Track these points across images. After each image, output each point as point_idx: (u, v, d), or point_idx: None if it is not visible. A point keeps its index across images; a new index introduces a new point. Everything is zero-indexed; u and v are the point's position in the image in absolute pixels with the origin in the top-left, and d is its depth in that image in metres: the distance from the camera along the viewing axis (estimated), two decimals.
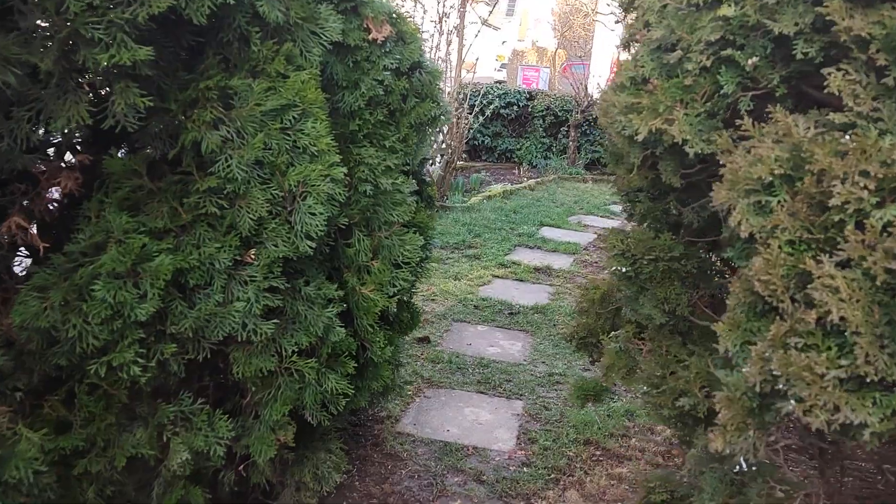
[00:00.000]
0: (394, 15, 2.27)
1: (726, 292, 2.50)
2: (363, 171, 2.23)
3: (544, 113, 12.21)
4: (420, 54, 2.34)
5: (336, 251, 2.30)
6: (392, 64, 2.25)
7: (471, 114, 10.03)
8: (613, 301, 3.11)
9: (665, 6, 1.77)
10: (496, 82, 41.48)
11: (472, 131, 10.73)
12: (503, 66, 45.96)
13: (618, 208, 9.64)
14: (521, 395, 4.36)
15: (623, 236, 2.19)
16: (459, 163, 10.18)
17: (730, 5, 1.51)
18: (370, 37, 2.21)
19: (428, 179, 2.87)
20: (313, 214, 1.97)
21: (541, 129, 12.25)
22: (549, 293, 6.21)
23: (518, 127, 12.40)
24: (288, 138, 1.97)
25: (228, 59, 1.95)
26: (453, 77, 9.59)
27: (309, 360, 2.15)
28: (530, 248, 7.46)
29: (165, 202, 1.92)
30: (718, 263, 2.18)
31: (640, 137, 1.65)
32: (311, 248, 1.99)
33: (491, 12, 10.05)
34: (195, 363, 1.97)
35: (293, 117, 1.97)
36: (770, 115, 1.49)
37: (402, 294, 2.49)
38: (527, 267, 6.74)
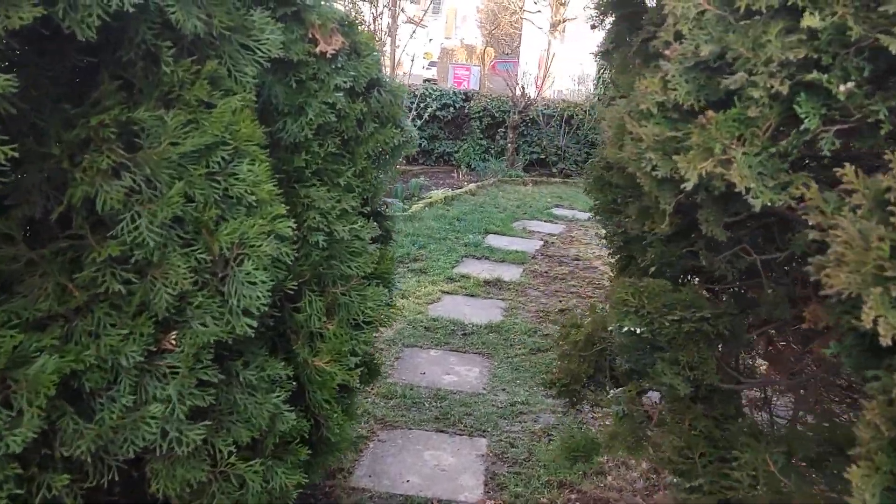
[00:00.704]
0: (345, 22, 1.79)
1: (757, 351, 2.12)
2: (314, 218, 1.75)
3: (481, 114, 11.82)
4: (378, 69, 1.86)
5: (282, 316, 1.82)
6: (345, 82, 1.77)
7: (407, 117, 9.55)
8: (598, 341, 2.71)
9: (703, 13, 1.36)
10: (426, 80, 41.28)
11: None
12: (432, 63, 45.62)
13: (560, 212, 9.33)
14: (483, 431, 3.94)
15: (634, 289, 1.78)
16: (397, 168, 9.69)
17: (813, 14, 1.11)
18: (317, 50, 1.73)
19: (388, 211, 2.41)
20: (253, 283, 1.49)
21: (478, 131, 11.85)
22: (503, 309, 5.81)
23: (455, 129, 11.97)
24: (217, 186, 1.48)
25: (132, 85, 1.45)
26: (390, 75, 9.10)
27: (251, 462, 1.66)
28: (478, 258, 7.04)
29: (50, 277, 1.40)
30: (751, 318, 1.79)
31: (688, 185, 1.24)
32: (251, 327, 1.51)
33: (426, 11, 9.59)
34: (99, 488, 1.46)
35: (222, 158, 1.48)
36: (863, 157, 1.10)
37: (365, 358, 2.02)
38: (476, 280, 6.32)
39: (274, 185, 1.55)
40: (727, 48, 1.26)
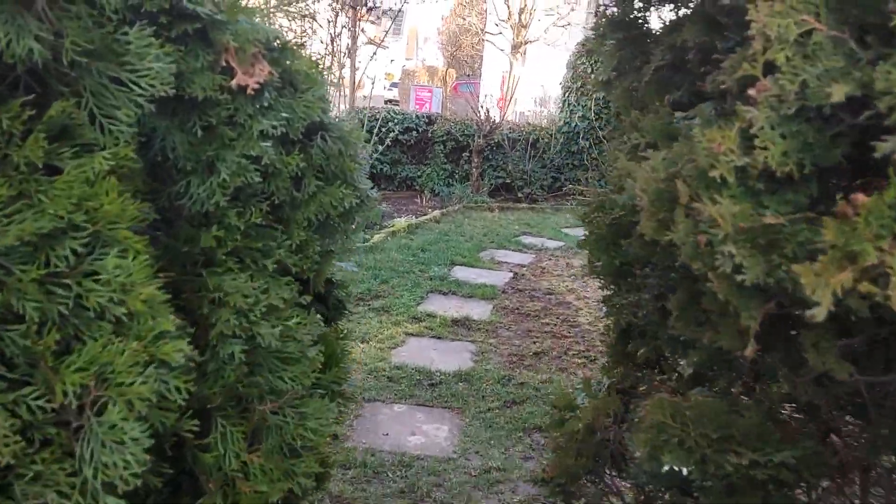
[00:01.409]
0: (276, 45, 1.27)
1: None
2: (228, 320, 1.22)
3: (445, 138, 11.35)
4: (324, 107, 1.34)
5: (181, 453, 1.27)
6: (275, 127, 1.25)
7: (368, 142, 9.02)
8: (599, 429, 2.21)
9: (809, 33, 0.88)
10: (387, 101, 41.05)
11: (370, 160, 9.72)
12: (393, 84, 45.31)
13: (529, 240, 8.87)
14: None
15: (675, 409, 1.28)
16: None
17: None
18: (234, 83, 1.20)
19: (340, 278, 1.88)
20: (120, 443, 0.95)
21: (442, 155, 11.38)
22: (472, 353, 5.29)
23: (418, 153, 11.48)
24: (63, 295, 0.94)
25: None
26: (347, 103, 8.59)
27: None
28: (444, 293, 6.52)
29: None
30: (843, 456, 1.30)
31: (819, 314, 0.75)
32: None
33: (387, 32, 9.11)
34: None
35: (73, 251, 0.95)
36: None
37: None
38: (443, 319, 5.79)
39: (158, 287, 1.01)
40: (869, 89, 0.78)
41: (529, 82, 27.40)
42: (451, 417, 4.36)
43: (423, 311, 5.96)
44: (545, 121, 26.59)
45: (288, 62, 1.33)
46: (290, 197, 1.33)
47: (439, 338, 5.50)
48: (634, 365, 1.90)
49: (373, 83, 8.28)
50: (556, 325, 5.99)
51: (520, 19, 21.95)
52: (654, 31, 1.92)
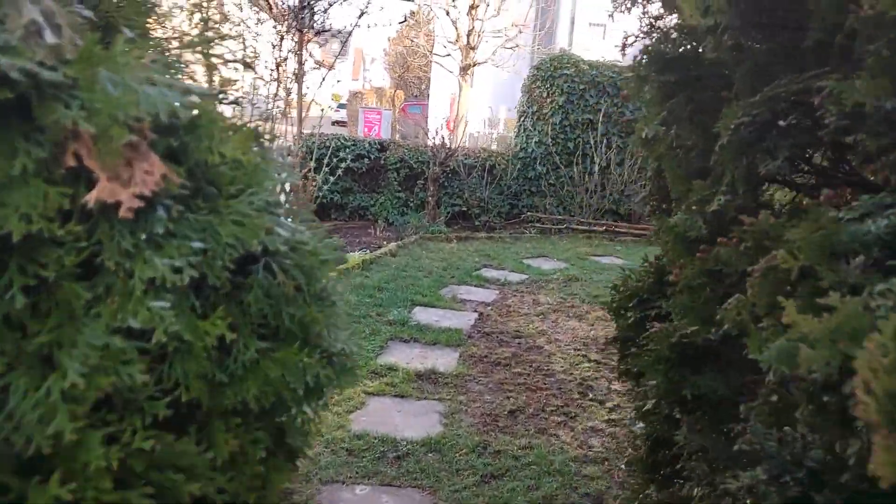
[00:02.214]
0: (177, 121, 0.68)
1: None
2: None
3: (399, 165, 10.77)
4: (270, 223, 0.74)
5: None
6: (178, 270, 0.65)
7: (318, 170, 8.38)
8: None
9: None
10: (335, 122, 40.52)
11: (321, 190, 9.07)
12: (341, 106, 44.65)
13: (490, 273, 8.33)
14: None
15: None
16: None
17: None
18: (92, 199, 0.60)
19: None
20: None
21: (396, 183, 10.79)
22: (441, 413, 4.69)
23: (371, 181, 10.87)
24: None
25: None
26: (295, 130, 7.94)
27: None
28: (406, 341, 5.90)
29: None
30: None
31: None
32: None
33: (337, 56, 8.52)
34: None
35: None
36: None
37: None
38: (406, 373, 5.18)
39: None
40: None
41: (479, 103, 27.10)
42: (422, 500, 3.75)
43: (383, 363, 5.34)
44: (495, 144, 26.27)
45: (204, 146, 0.74)
46: (207, 386, 0.74)
47: (403, 396, 4.89)
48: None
49: (322, 111, 7.66)
50: (528, 374, 5.44)
51: (468, 41, 21.62)
52: (725, 71, 1.39)
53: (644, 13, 1.73)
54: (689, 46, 1.48)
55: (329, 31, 7.56)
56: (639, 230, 10.90)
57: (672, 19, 1.63)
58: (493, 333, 6.20)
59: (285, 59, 7.10)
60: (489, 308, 6.93)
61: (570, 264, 9.09)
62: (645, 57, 1.53)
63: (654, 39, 1.56)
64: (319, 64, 8.58)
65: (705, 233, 1.43)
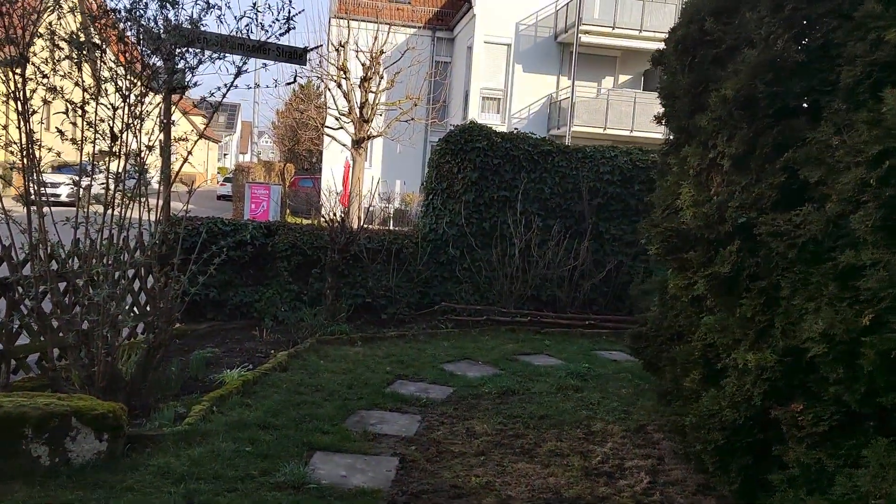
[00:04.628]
0: None
1: None
2: None
3: (289, 252, 8.95)
4: None
5: None
6: None
7: (188, 261, 6.43)
8: None
9: None
10: (220, 197, 37.83)
11: (193, 282, 7.06)
12: (227, 180, 42.13)
13: (408, 390, 6.58)
14: None
15: None
16: (175, 327, 6.47)
17: None
18: None
19: None
20: None
21: (286, 273, 8.94)
22: None
23: (256, 271, 8.96)
24: None
25: None
26: (159, 213, 6.04)
27: None
28: None
29: None
30: None
31: None
32: None
33: (208, 123, 6.74)
34: None
35: None
36: None
37: None
38: None
39: None
40: None
41: (373, 177, 25.70)
42: None
43: None
44: (392, 220, 24.77)
45: None
46: None
47: None
48: None
49: (189, 189, 5.82)
50: None
51: (361, 114, 20.34)
52: None
53: None
54: None
55: (216, 102, 5.80)
56: (566, 320, 9.52)
57: None
58: (425, 493, 4.42)
59: (134, 125, 5.26)
60: (412, 447, 5.16)
61: (499, 369, 7.49)
62: None
63: None
64: (202, 134, 6.77)
65: None
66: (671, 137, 5.02)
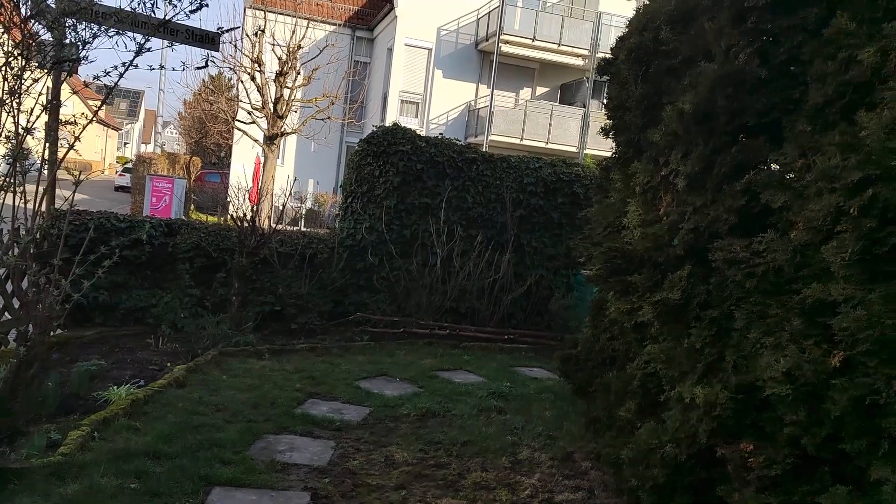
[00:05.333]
0: None
1: None
2: None
3: (192, 254, 8.16)
4: None
5: None
6: None
7: (72, 261, 5.61)
8: None
9: None
10: (118, 188, 35.49)
11: (77, 287, 6.21)
12: (126, 170, 39.64)
13: (320, 410, 5.99)
14: None
15: None
16: (56, 334, 5.62)
17: None
18: None
19: None
20: None
21: (188, 276, 8.14)
22: None
23: (153, 273, 8.11)
24: None
25: None
26: (38, 204, 5.21)
27: None
28: None
29: None
30: None
31: None
32: None
33: (101, 105, 5.94)
34: None
35: None
36: None
37: None
38: None
39: None
40: None
41: (285, 175, 24.67)
42: None
43: None
44: (302, 220, 23.85)
45: None
46: None
47: None
48: None
49: (77, 180, 5.06)
50: None
51: (275, 109, 19.41)
52: None
53: None
54: None
55: (107, 82, 5.06)
56: (486, 334, 9.16)
57: None
58: None
59: (11, 102, 4.48)
60: (326, 479, 4.61)
61: (418, 387, 7.02)
62: None
63: None
64: (96, 118, 5.94)
65: None
66: (617, 151, 4.71)
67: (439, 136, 9.74)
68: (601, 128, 4.80)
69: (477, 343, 8.95)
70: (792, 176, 3.37)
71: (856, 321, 2.76)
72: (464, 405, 6.46)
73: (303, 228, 19.31)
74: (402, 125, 9.65)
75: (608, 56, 4.82)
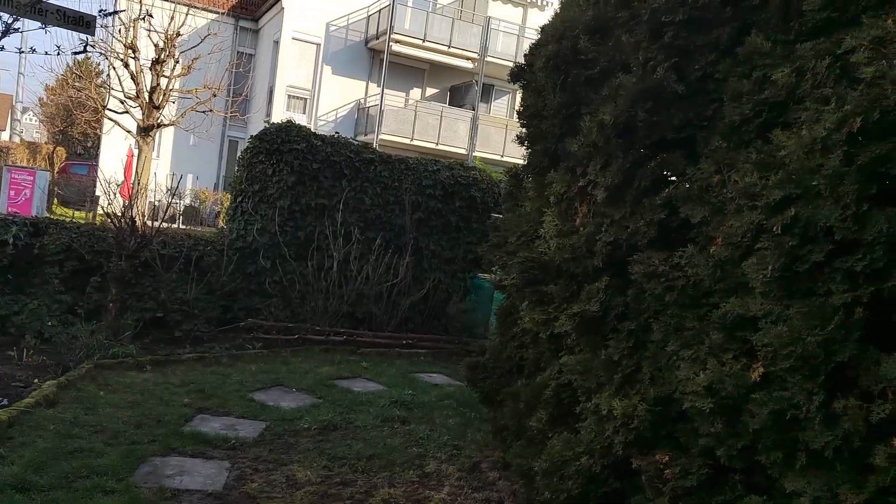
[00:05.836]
0: None
1: None
2: None
3: (62, 256, 7.41)
4: None
5: None
6: None
7: None
8: None
9: None
10: None
11: None
12: None
13: (211, 427, 5.56)
14: None
15: None
16: None
17: None
18: None
19: None
20: None
21: (57, 281, 7.38)
22: None
23: (16, 278, 7.29)
24: None
25: None
26: None
27: None
28: None
29: None
30: None
31: None
32: None
33: None
34: None
35: None
36: None
37: None
38: None
39: None
40: None
41: (161, 169, 23.30)
42: None
43: None
44: (181, 218, 22.59)
45: None
46: None
47: None
48: None
49: None
50: None
51: (151, 99, 18.21)
52: None
53: None
54: None
55: None
56: (383, 339, 8.96)
57: None
58: None
59: None
60: None
61: (316, 397, 6.71)
62: None
63: None
64: None
65: None
66: (531, 159, 4.66)
67: (336, 135, 9.42)
68: (517, 136, 4.74)
69: (375, 349, 8.73)
70: (710, 191, 3.42)
71: (777, 337, 2.80)
72: (366, 416, 6.23)
73: (180, 226, 18.27)
74: (296, 122, 9.25)
75: (521, 63, 4.77)
